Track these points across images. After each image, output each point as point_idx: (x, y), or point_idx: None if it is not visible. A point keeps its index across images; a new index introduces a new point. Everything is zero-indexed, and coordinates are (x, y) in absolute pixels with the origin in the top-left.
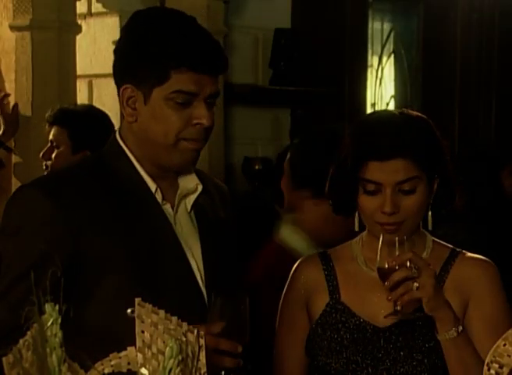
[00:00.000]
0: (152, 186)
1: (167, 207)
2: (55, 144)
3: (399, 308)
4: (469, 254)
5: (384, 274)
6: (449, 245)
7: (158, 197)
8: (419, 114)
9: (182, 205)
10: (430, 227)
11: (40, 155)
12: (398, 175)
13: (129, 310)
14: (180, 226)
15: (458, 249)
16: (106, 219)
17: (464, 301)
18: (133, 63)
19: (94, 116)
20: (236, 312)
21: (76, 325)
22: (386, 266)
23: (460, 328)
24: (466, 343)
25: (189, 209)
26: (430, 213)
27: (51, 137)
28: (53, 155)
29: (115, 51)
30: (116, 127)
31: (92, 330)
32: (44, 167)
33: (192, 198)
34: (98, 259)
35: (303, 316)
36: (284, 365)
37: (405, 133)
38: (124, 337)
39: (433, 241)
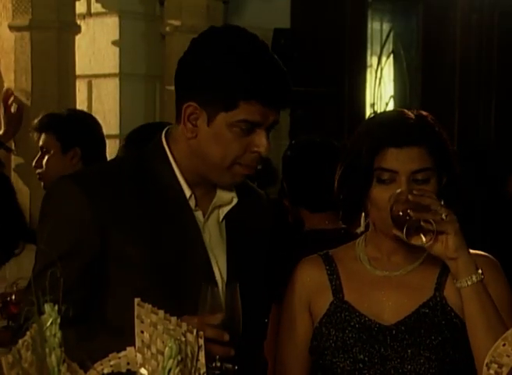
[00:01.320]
0: (187, 192)
1: (198, 214)
2: (45, 149)
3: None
4: (471, 250)
5: (399, 216)
6: None
7: (192, 203)
8: (427, 113)
9: (214, 214)
10: None
11: (33, 164)
12: (413, 164)
13: None
14: (209, 234)
15: None
16: (135, 219)
17: None
18: (201, 84)
19: (76, 117)
20: (229, 303)
21: (99, 321)
22: (401, 213)
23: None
24: (485, 289)
25: (220, 219)
26: None
27: (41, 143)
28: (43, 162)
29: (182, 62)
30: (115, 127)
31: (111, 330)
32: (38, 176)
33: (225, 209)
34: (122, 258)
35: (305, 317)
36: (287, 365)
37: (419, 123)
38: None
39: None
